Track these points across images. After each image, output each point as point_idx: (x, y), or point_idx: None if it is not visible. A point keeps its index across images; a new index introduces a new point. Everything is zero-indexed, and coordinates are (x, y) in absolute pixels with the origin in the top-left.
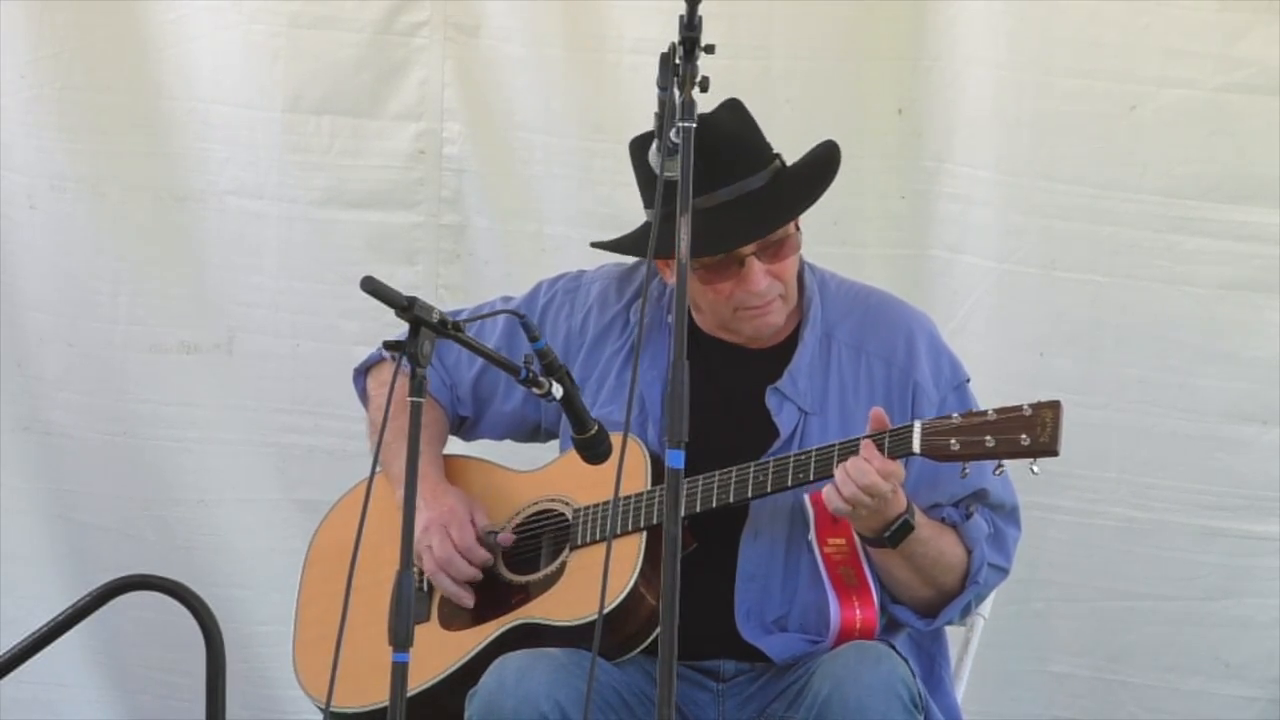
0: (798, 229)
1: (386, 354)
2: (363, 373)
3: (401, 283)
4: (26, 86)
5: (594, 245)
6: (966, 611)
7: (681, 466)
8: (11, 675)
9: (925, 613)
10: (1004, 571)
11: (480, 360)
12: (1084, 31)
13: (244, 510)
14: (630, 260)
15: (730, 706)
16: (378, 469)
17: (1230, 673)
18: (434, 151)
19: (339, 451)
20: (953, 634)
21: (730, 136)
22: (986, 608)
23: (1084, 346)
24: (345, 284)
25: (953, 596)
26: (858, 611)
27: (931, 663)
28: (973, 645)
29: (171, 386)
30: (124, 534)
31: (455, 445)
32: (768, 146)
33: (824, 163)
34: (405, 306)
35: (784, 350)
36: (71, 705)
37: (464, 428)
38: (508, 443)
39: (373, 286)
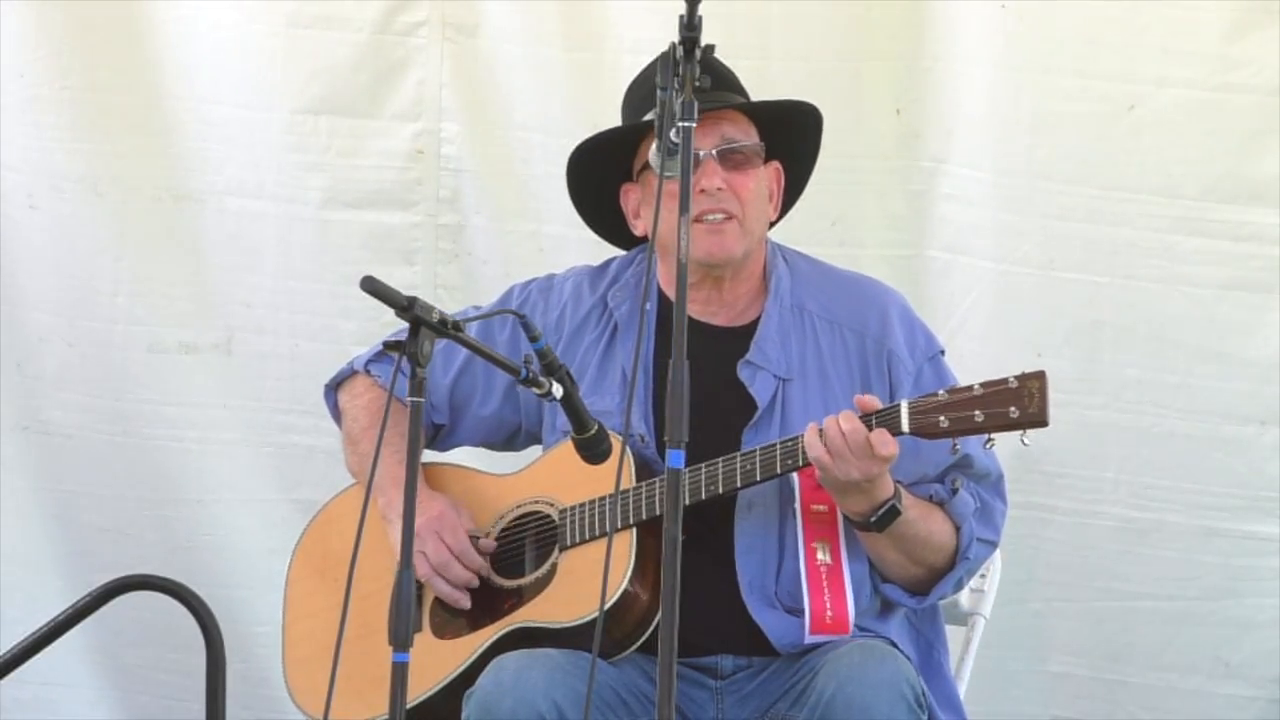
0: (764, 161)
1: (358, 368)
2: (333, 388)
3: (400, 283)
4: (26, 86)
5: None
6: (958, 587)
7: (681, 466)
8: (11, 675)
9: (916, 590)
10: (993, 545)
11: (456, 365)
12: (1083, 31)
13: (243, 510)
14: (597, 262)
15: (729, 704)
16: (353, 483)
17: (1230, 672)
18: (432, 151)
19: (338, 451)
20: (953, 634)
21: (725, 69)
22: (986, 608)
23: (1082, 347)
24: (344, 284)
25: (943, 574)
26: (828, 604)
27: (929, 649)
28: (973, 645)
29: (171, 386)
30: (124, 534)
31: (428, 456)
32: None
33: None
34: (405, 306)
35: (754, 328)
36: (71, 705)
37: (439, 437)
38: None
39: (372, 286)
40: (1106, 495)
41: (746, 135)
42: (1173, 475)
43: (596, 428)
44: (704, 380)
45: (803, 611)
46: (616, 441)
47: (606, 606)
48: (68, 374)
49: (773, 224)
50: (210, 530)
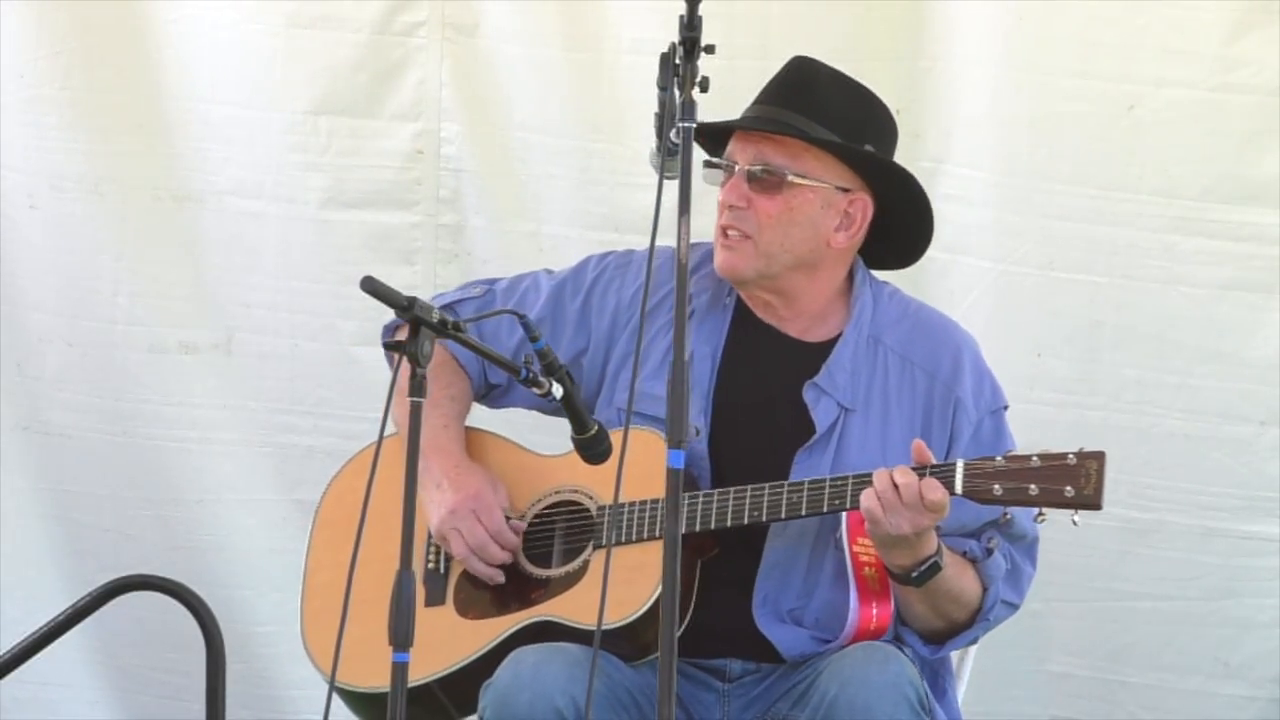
0: (804, 183)
1: None
2: (391, 330)
3: (400, 283)
4: (26, 86)
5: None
6: (972, 643)
7: (681, 467)
8: (11, 675)
9: (931, 640)
10: (1015, 608)
11: (520, 331)
12: (1082, 31)
13: (244, 510)
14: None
15: (735, 707)
16: (393, 432)
17: (1230, 673)
18: (432, 151)
19: (338, 451)
20: None
21: (828, 94)
22: None
23: (1082, 347)
24: (344, 284)
25: (962, 629)
26: (874, 612)
27: (935, 676)
28: (973, 646)
29: (171, 386)
30: (124, 534)
31: (479, 414)
32: (862, 128)
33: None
34: (405, 306)
35: (828, 348)
36: (71, 705)
37: (492, 395)
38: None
39: (373, 286)
40: (1106, 495)
41: (792, 160)
42: (1173, 475)
43: (596, 428)
44: (772, 388)
45: (821, 628)
46: (651, 438)
47: (635, 616)
48: (68, 374)
49: (869, 253)
50: (210, 530)
